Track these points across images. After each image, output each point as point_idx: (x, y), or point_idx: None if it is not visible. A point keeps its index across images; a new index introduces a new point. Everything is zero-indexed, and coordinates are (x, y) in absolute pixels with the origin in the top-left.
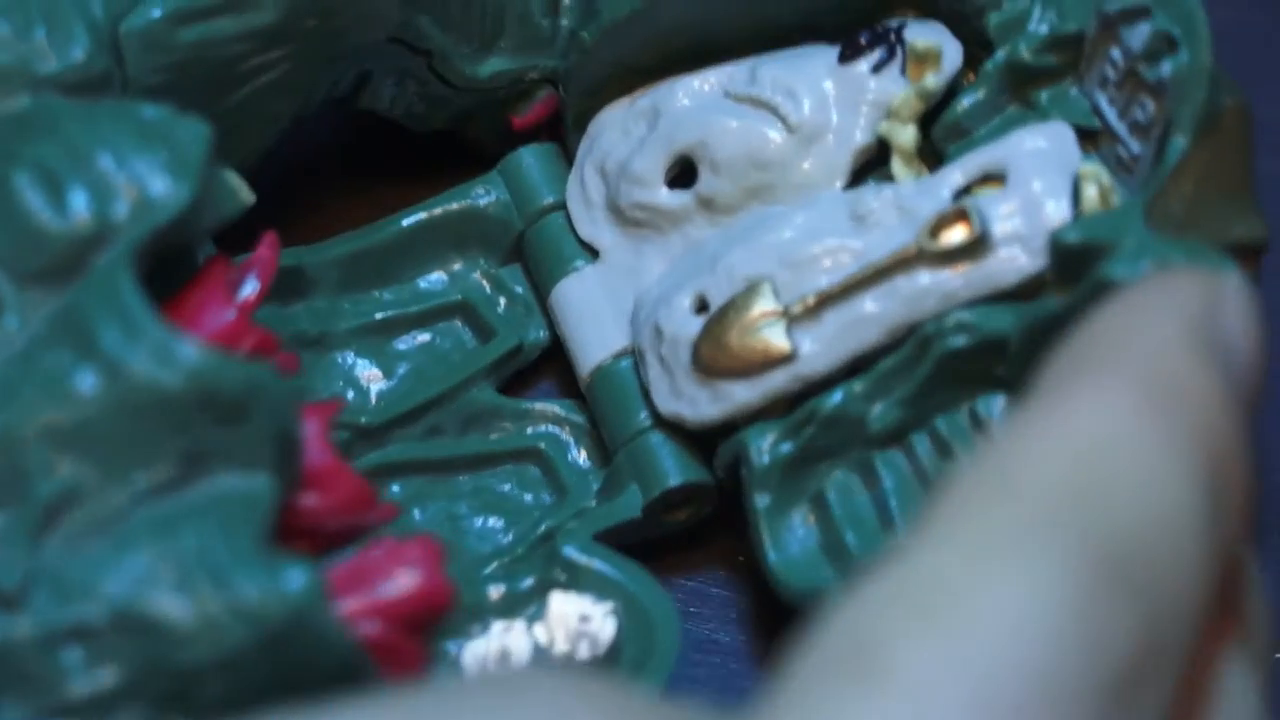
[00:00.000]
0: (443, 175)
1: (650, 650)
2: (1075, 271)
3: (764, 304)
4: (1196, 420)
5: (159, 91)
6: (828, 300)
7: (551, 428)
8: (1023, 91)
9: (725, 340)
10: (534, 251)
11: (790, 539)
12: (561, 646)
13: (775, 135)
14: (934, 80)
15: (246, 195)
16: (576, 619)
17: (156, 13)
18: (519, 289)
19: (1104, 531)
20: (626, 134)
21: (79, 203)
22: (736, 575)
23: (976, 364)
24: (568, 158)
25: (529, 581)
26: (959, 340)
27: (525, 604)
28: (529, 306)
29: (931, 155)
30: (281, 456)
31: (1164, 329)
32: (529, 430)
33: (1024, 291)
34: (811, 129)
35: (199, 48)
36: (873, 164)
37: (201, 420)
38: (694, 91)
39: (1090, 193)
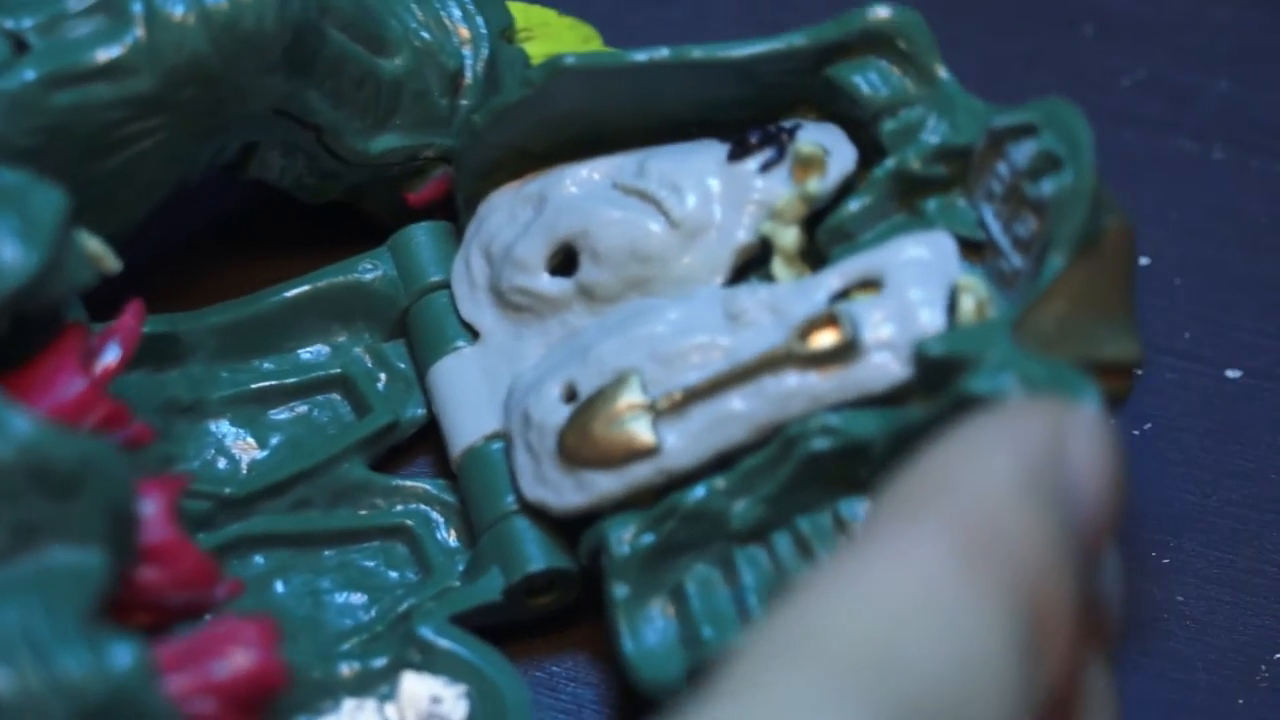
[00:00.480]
0: (334, 247)
1: None
2: (938, 382)
3: (630, 396)
4: (1015, 571)
5: (30, 154)
6: (695, 396)
7: (421, 506)
8: (910, 199)
9: (590, 430)
10: (416, 328)
11: (648, 630)
12: (402, 713)
13: (657, 229)
14: (817, 185)
15: (111, 263)
16: (428, 700)
17: (30, 75)
18: (401, 365)
19: (906, 694)
20: (513, 218)
21: None
22: (599, 661)
23: (840, 467)
24: (460, 237)
25: (383, 660)
26: (823, 443)
27: (378, 683)
28: (409, 383)
29: (815, 257)
30: (115, 532)
31: (995, 469)
32: (398, 507)
33: (894, 397)
34: (694, 225)
35: (73, 112)
36: (755, 263)
37: (32, 493)
38: (582, 180)
39: (967, 304)
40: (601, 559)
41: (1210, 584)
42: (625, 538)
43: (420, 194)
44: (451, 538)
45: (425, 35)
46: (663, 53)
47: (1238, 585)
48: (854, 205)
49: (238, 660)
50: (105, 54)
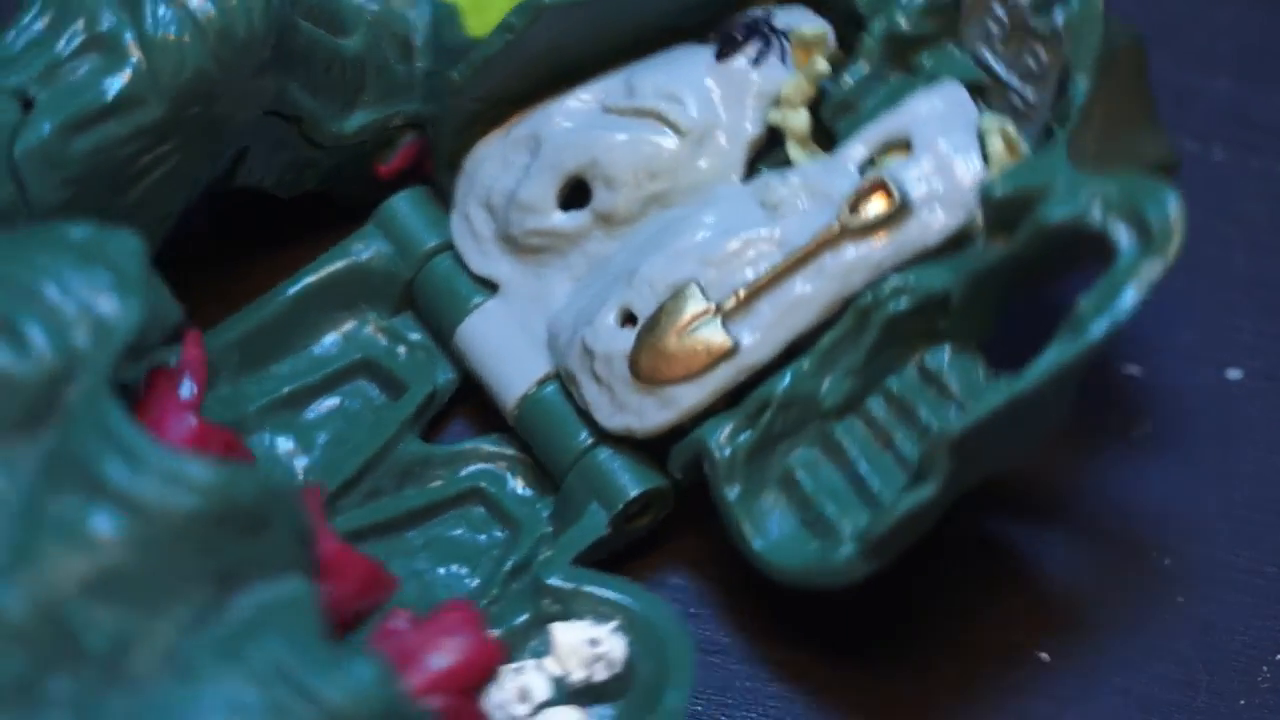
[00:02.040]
0: (317, 236)
1: (665, 661)
2: (1010, 219)
3: (695, 305)
4: None
5: (64, 207)
6: (758, 291)
7: (485, 465)
8: (904, 59)
9: (663, 347)
10: (428, 297)
11: (770, 523)
12: (578, 674)
13: (666, 142)
14: (822, 63)
15: (177, 305)
16: (586, 644)
17: (47, 127)
18: (415, 336)
19: None
20: (508, 165)
21: (39, 341)
22: (702, 567)
23: (919, 322)
24: (440, 199)
25: (523, 618)
26: (900, 304)
27: (526, 640)
28: (430, 352)
29: (821, 136)
30: (304, 554)
31: None
32: (463, 472)
33: (947, 247)
34: (702, 129)
35: (94, 155)
36: (762, 153)
37: (226, 536)
38: (571, 112)
39: (996, 144)
40: (704, 467)
41: (1211, 585)
42: (723, 440)
43: (391, 164)
44: (522, 487)
45: (374, 7)
46: None
47: (1239, 586)
48: (851, 77)
49: (454, 648)
50: (112, 88)
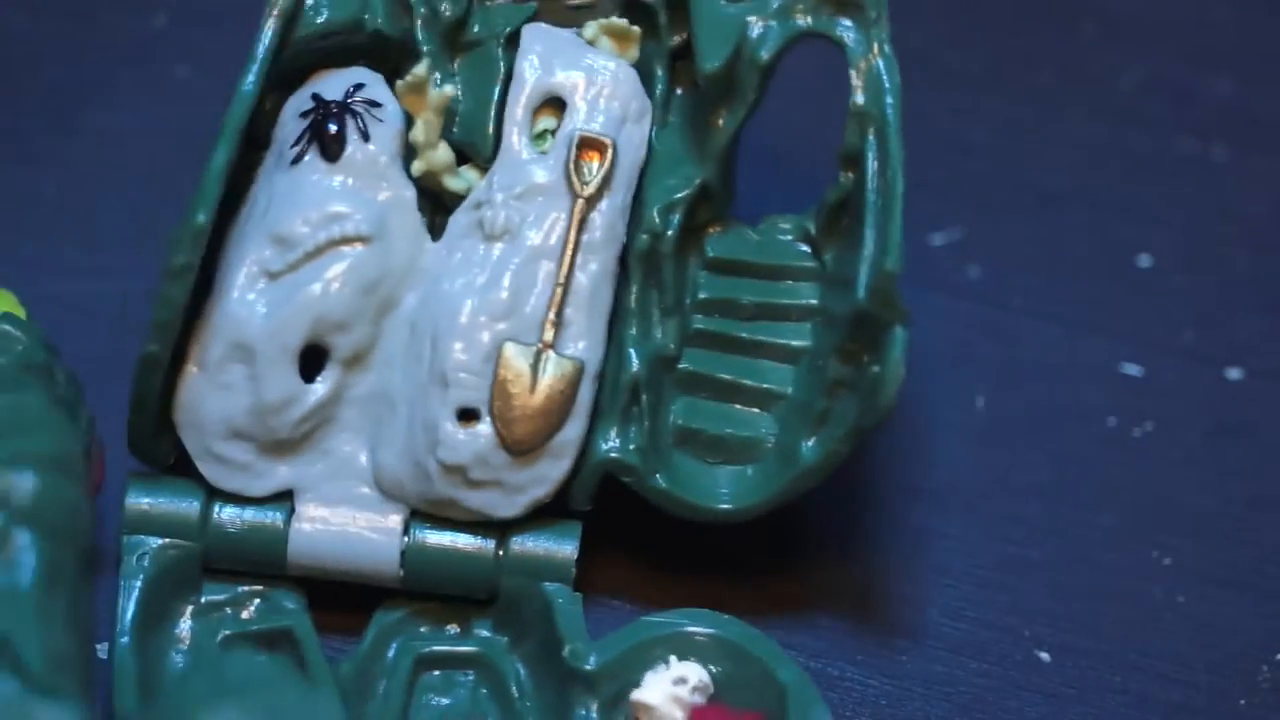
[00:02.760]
0: None
1: (746, 653)
2: (734, 78)
3: (522, 359)
4: None
5: None
6: (558, 307)
7: (404, 638)
8: (458, 41)
9: (530, 409)
10: (231, 550)
11: (706, 482)
12: (677, 715)
13: (360, 257)
14: (450, 89)
15: None
16: (673, 688)
17: None
18: (243, 588)
19: None
20: (228, 387)
21: None
22: (624, 589)
23: (692, 225)
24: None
25: (594, 707)
26: (674, 221)
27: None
28: (264, 596)
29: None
30: None
31: None
32: (391, 655)
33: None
34: (376, 222)
35: None
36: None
37: None
38: (250, 304)
39: (606, 44)
40: (623, 478)
41: (1212, 585)
42: (619, 444)
43: (97, 479)
44: (450, 630)
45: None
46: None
47: (1239, 586)
48: (447, 87)
49: None
50: None
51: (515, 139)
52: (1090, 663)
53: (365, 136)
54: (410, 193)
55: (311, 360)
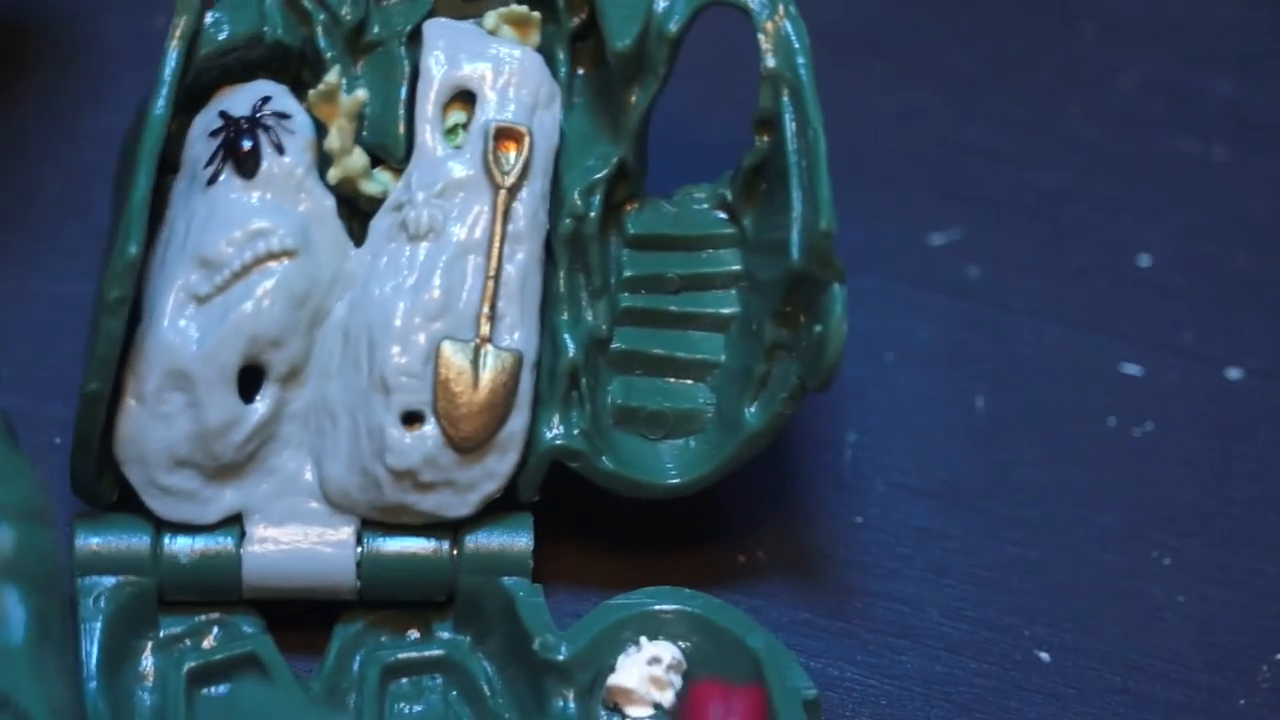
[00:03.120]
0: None
1: (714, 624)
2: (644, 55)
3: (461, 356)
4: None
5: None
6: (490, 300)
7: (369, 650)
8: (359, 44)
9: (475, 404)
10: (186, 581)
11: (650, 459)
12: (668, 694)
13: (288, 271)
14: (361, 93)
15: None
16: (649, 668)
17: None
18: (202, 616)
19: None
20: (167, 416)
21: None
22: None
23: (611, 203)
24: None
25: (571, 706)
26: (595, 202)
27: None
28: (224, 623)
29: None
30: None
31: None
32: (356, 668)
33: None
34: (299, 240)
35: None
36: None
37: None
38: (182, 329)
39: (508, 32)
40: (569, 465)
41: (1212, 584)
42: (563, 430)
43: None
44: (412, 635)
45: None
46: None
47: (1239, 586)
48: (358, 91)
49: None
50: None
51: (429, 137)
52: (1090, 663)
53: (279, 149)
54: (329, 201)
55: (247, 380)
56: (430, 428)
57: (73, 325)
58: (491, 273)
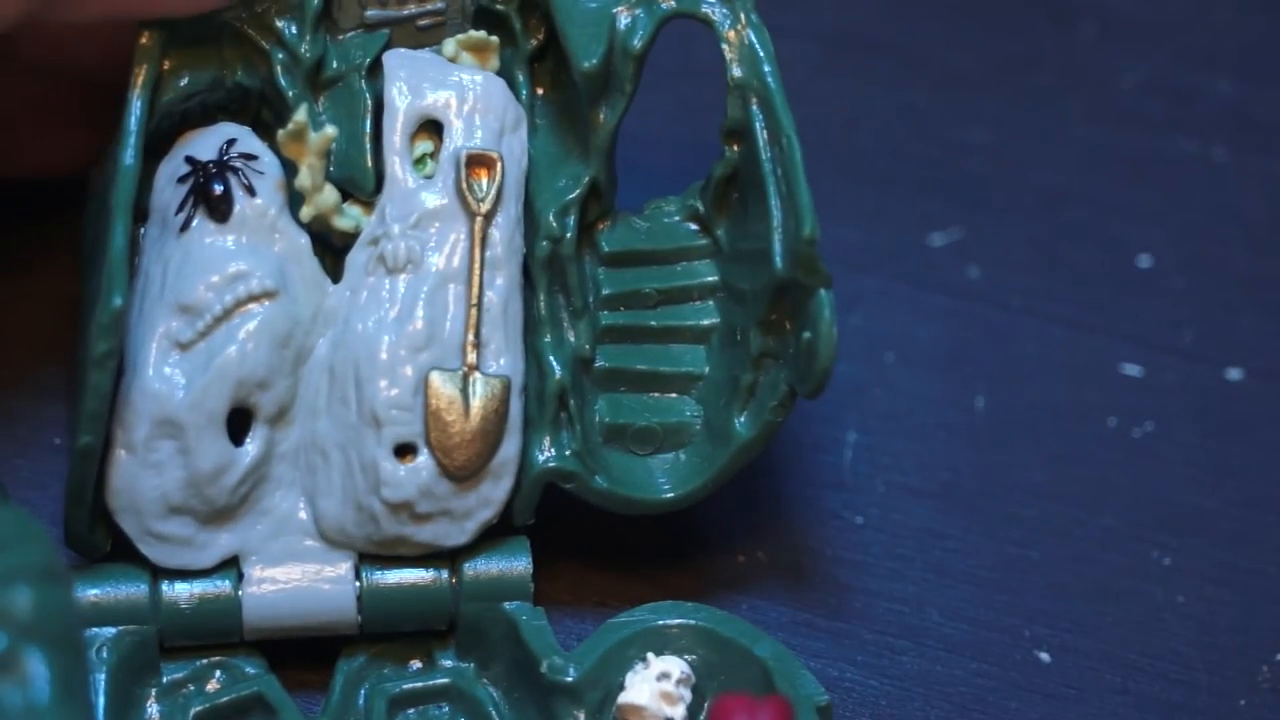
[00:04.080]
0: None
1: (720, 635)
2: (610, 75)
3: (450, 385)
4: None
5: None
6: (474, 329)
7: (373, 683)
8: (319, 81)
9: (468, 434)
10: (187, 625)
11: (641, 475)
12: (679, 709)
13: (270, 313)
14: (330, 130)
15: None
16: (658, 684)
17: None
18: (203, 661)
19: None
20: (159, 465)
21: None
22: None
23: (584, 221)
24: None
25: (582, 717)
26: (570, 222)
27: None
28: (226, 666)
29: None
30: None
31: None
32: (362, 700)
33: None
34: (277, 280)
35: None
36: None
37: None
38: (168, 377)
39: (467, 58)
40: (563, 486)
41: (1212, 585)
42: (554, 451)
43: None
44: (415, 664)
45: None
46: None
47: (1239, 586)
48: (327, 128)
49: None
50: None
51: (399, 169)
52: (1090, 663)
53: (250, 191)
54: (304, 239)
55: (235, 423)
56: (424, 459)
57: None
58: (474, 300)
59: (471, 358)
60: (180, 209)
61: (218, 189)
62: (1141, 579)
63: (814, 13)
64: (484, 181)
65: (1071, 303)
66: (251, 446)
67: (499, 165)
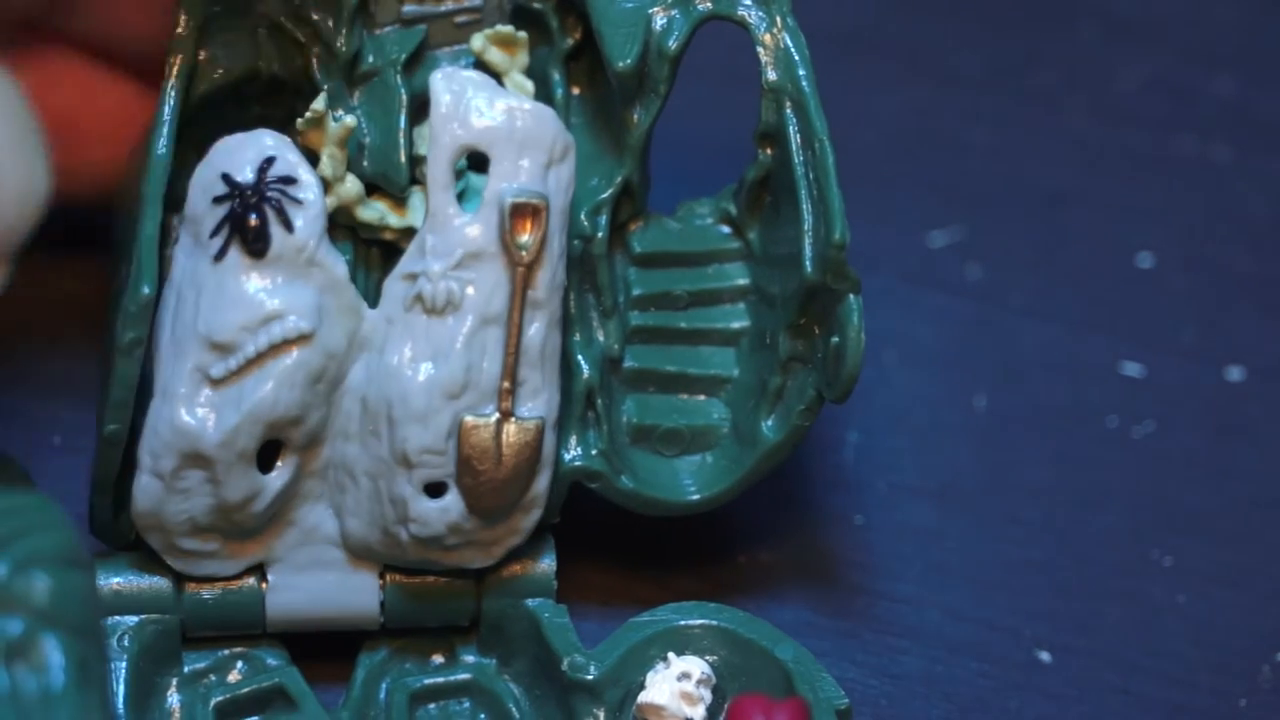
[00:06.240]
0: None
1: (741, 637)
2: (645, 74)
3: (483, 434)
4: None
5: None
6: (510, 372)
7: (394, 678)
8: (355, 77)
9: (499, 480)
10: (210, 619)
11: (668, 476)
12: (700, 711)
13: (305, 354)
14: (349, 120)
15: None
16: (679, 684)
17: None
18: (224, 652)
19: None
20: (187, 492)
21: None
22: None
23: (618, 223)
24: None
25: (602, 716)
26: (602, 223)
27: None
28: (248, 657)
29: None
30: None
31: None
32: (383, 693)
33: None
34: (314, 321)
35: None
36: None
37: None
38: (199, 416)
39: (495, 55)
40: (589, 485)
41: (1212, 584)
42: (581, 451)
43: None
44: (437, 659)
45: None
46: None
47: (1240, 586)
48: (347, 118)
49: None
50: None
51: (441, 200)
52: (1090, 663)
53: (288, 226)
54: (341, 268)
55: (265, 449)
56: (453, 498)
57: (73, 325)
58: (512, 347)
59: (505, 404)
60: (215, 233)
61: (254, 219)
62: (1141, 579)
63: (814, 13)
64: (527, 236)
65: (1071, 303)
66: (281, 475)
67: (544, 213)
